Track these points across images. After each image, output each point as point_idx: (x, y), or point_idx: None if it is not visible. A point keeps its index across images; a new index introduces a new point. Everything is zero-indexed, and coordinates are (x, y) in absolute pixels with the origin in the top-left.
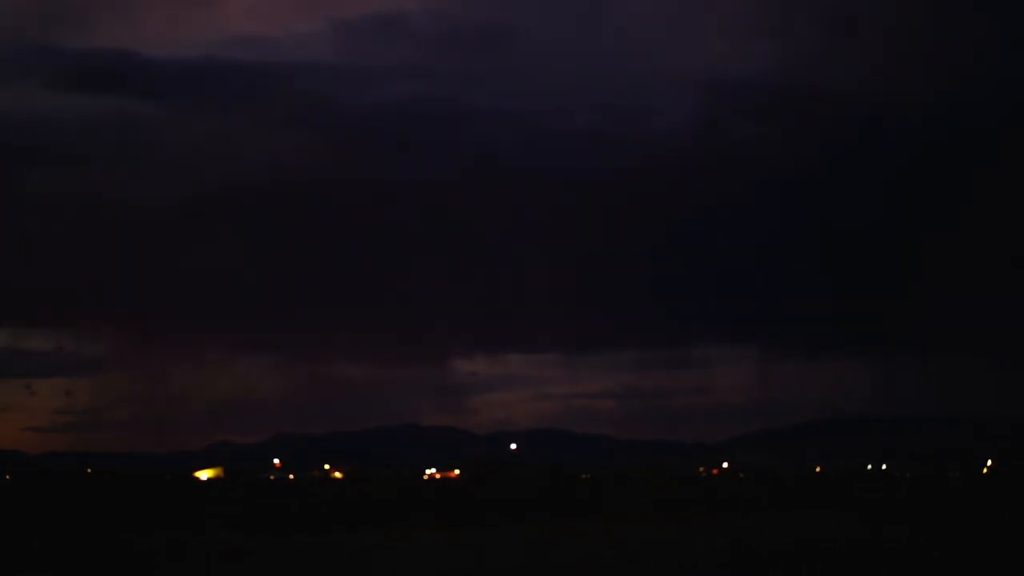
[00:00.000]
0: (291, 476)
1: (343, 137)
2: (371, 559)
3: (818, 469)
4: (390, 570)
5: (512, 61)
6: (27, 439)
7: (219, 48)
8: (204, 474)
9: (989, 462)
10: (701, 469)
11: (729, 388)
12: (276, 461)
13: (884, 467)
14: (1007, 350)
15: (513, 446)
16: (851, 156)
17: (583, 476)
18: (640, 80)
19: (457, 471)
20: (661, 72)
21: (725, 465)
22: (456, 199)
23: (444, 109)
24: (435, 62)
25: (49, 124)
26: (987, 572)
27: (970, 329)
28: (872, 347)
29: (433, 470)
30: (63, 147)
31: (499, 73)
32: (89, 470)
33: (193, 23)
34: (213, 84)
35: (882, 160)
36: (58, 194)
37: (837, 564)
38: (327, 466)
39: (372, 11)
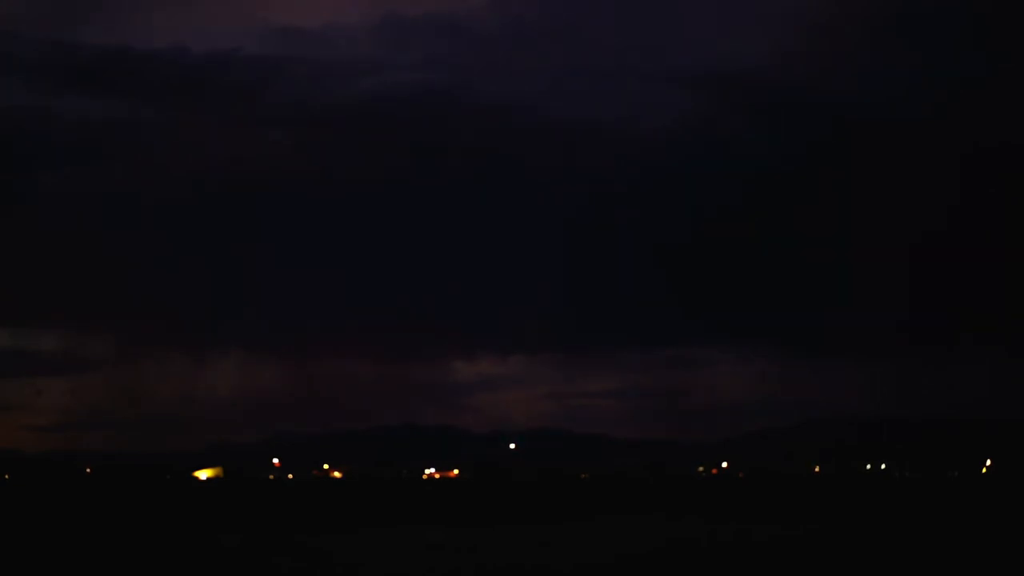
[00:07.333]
0: (290, 476)
1: (337, 134)
2: (371, 559)
3: (817, 469)
4: (391, 570)
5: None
6: (26, 438)
7: (251, 41)
8: (204, 474)
9: (988, 462)
10: (701, 469)
11: (729, 388)
12: (276, 461)
13: (884, 467)
14: (1009, 350)
15: (512, 446)
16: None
17: (582, 476)
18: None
19: (456, 471)
20: None
21: (724, 465)
22: (457, 198)
23: (444, 103)
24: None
25: (55, 122)
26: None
27: (971, 330)
28: (872, 347)
29: (432, 470)
30: (68, 146)
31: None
32: (89, 470)
33: (237, 15)
34: (221, 78)
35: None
36: (63, 193)
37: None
38: (327, 466)
39: (431, 9)
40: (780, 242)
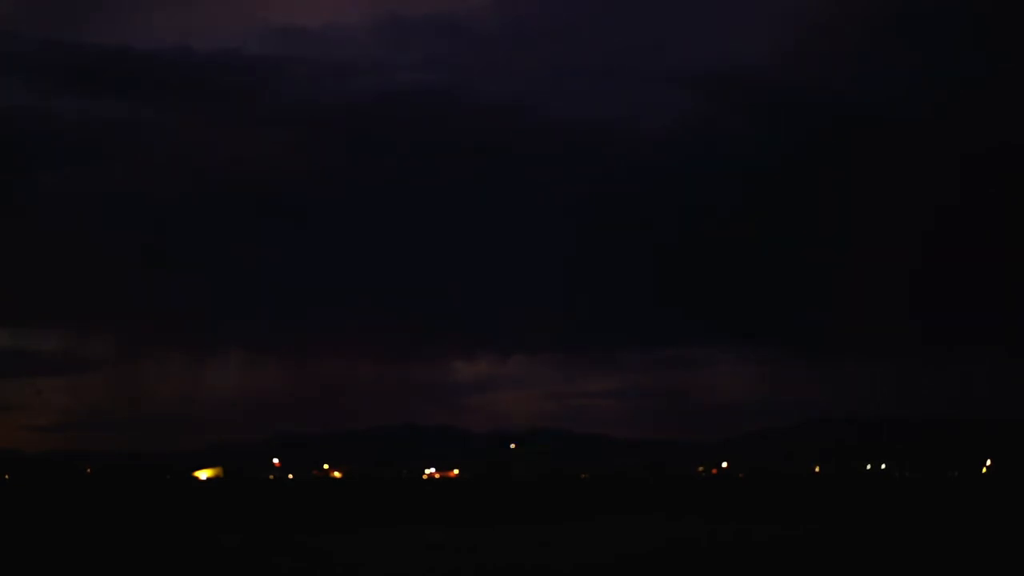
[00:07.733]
0: (290, 476)
1: (337, 134)
2: (371, 559)
3: (817, 469)
4: (391, 570)
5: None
6: (26, 438)
7: (251, 41)
8: (204, 474)
9: (988, 462)
10: (700, 469)
11: (729, 388)
12: (276, 461)
13: (884, 467)
14: (1009, 350)
15: (513, 446)
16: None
17: (582, 476)
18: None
19: (456, 471)
20: None
21: (724, 465)
22: (457, 198)
23: (444, 103)
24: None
25: (55, 122)
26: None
27: (970, 330)
28: (871, 347)
29: (432, 470)
30: (68, 146)
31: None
32: (89, 470)
33: (238, 15)
34: (222, 78)
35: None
36: (63, 193)
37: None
38: (327, 466)
39: (434, 10)
40: (780, 242)
